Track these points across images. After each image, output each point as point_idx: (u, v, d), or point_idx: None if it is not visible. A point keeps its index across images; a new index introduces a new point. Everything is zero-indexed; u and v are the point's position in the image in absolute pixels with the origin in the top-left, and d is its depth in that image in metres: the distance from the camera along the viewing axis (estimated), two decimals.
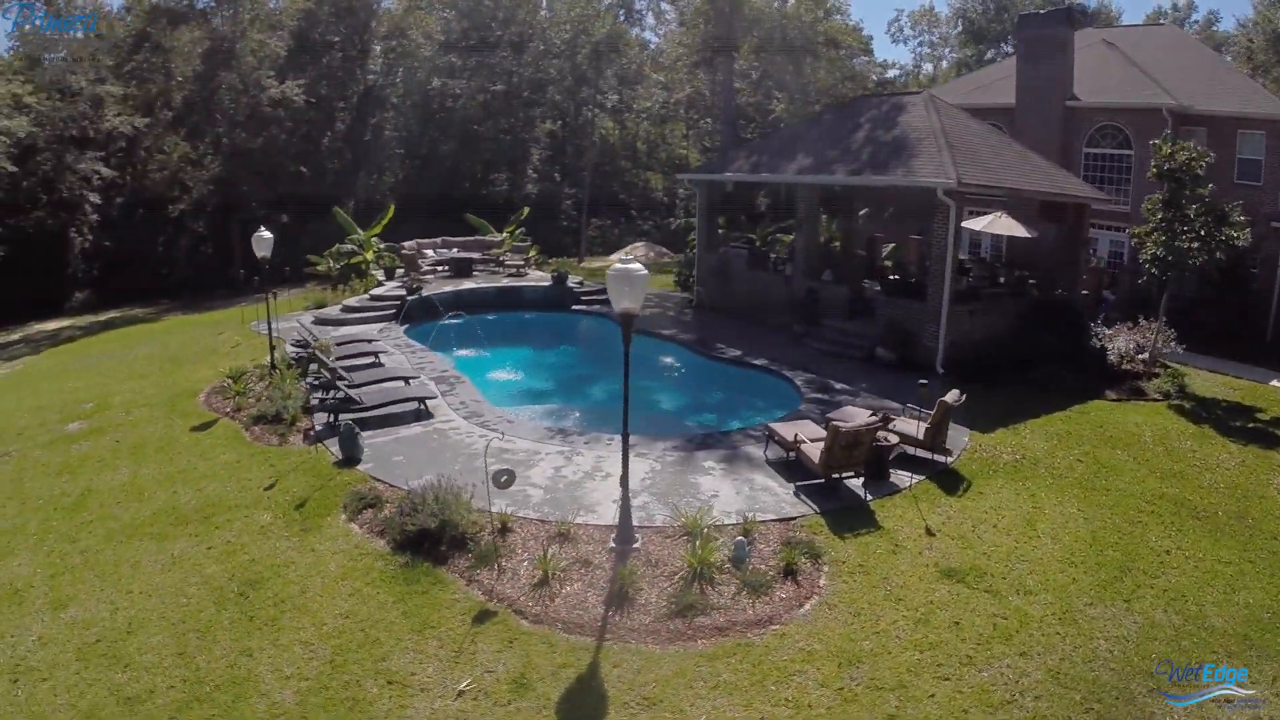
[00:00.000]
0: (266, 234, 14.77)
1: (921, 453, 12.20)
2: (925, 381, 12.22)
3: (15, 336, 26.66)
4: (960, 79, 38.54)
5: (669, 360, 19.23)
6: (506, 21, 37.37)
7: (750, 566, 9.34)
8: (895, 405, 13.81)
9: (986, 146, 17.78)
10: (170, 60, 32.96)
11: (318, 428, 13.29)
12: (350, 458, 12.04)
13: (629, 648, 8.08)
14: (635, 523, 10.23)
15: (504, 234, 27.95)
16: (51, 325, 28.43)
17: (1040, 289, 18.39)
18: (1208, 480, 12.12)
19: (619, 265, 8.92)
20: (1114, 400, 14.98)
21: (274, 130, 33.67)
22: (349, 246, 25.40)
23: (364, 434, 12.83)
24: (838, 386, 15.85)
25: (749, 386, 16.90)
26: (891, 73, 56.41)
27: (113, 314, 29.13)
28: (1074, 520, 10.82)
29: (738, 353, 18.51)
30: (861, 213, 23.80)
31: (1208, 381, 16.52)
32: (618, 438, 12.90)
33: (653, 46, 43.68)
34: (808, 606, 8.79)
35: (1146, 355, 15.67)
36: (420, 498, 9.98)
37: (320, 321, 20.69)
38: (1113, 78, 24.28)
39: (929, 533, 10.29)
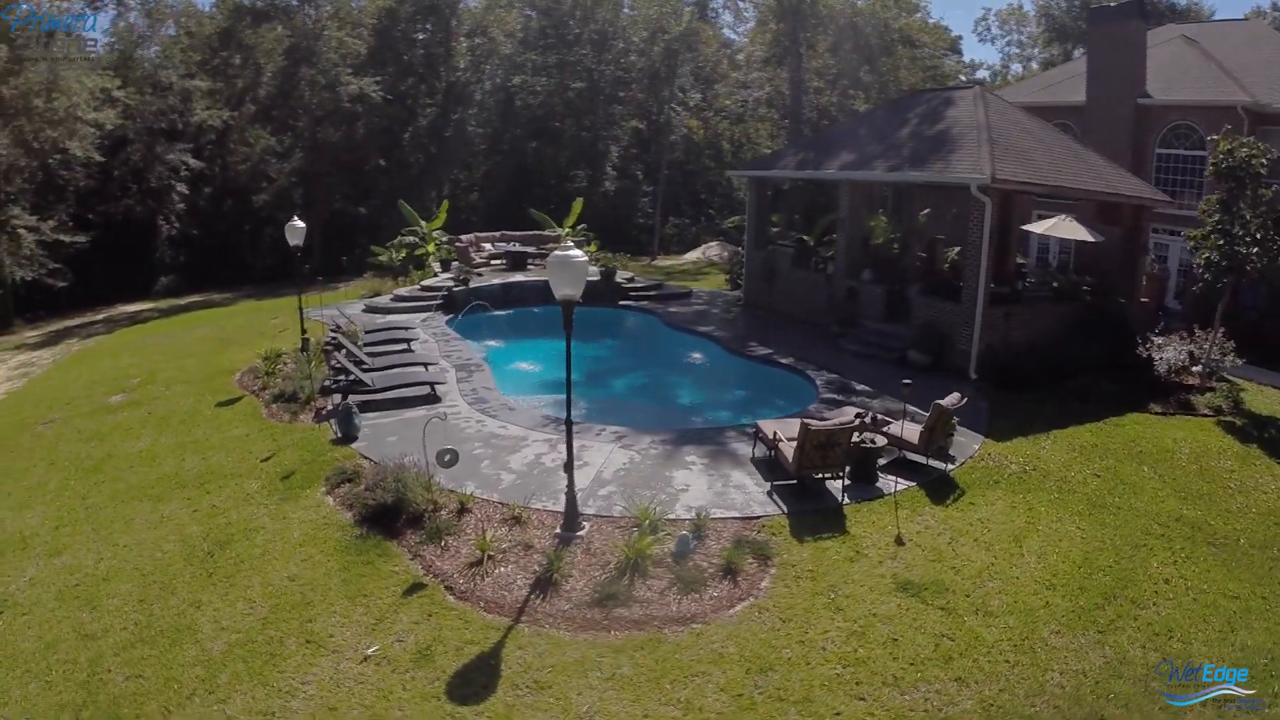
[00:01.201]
0: (299, 224, 15.59)
1: (920, 457, 11.64)
2: (909, 381, 11.59)
3: (99, 317, 28.92)
4: (1035, 77, 36.59)
5: (696, 356, 19.07)
6: (585, 19, 37.87)
7: (691, 563, 9.16)
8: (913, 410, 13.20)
9: (1036, 143, 16.65)
10: (254, 56, 34.78)
11: (329, 407, 13.92)
12: (347, 435, 12.53)
13: (540, 632, 8.08)
14: (593, 512, 10.24)
15: (564, 229, 28.33)
16: (134, 307, 30.57)
17: (1096, 295, 17.10)
18: (1237, 504, 10.97)
19: (558, 252, 8.95)
20: (1157, 414, 13.75)
21: (356, 125, 35.22)
22: (411, 238, 26.36)
23: (371, 415, 13.38)
24: (859, 388, 15.29)
25: (768, 385, 16.54)
26: (980, 73, 53.87)
27: (194, 298, 31.10)
28: (1069, 539, 10.02)
29: (768, 351, 18.14)
30: (923, 213, 22.78)
31: (1269, 398, 14.86)
32: (609, 428, 13.16)
33: (735, 44, 43.41)
34: (739, 608, 8.52)
35: (1200, 367, 14.28)
36: (382, 474, 10.32)
37: (371, 310, 21.63)
38: (1188, 75, 22.30)
39: (898, 542, 9.76)
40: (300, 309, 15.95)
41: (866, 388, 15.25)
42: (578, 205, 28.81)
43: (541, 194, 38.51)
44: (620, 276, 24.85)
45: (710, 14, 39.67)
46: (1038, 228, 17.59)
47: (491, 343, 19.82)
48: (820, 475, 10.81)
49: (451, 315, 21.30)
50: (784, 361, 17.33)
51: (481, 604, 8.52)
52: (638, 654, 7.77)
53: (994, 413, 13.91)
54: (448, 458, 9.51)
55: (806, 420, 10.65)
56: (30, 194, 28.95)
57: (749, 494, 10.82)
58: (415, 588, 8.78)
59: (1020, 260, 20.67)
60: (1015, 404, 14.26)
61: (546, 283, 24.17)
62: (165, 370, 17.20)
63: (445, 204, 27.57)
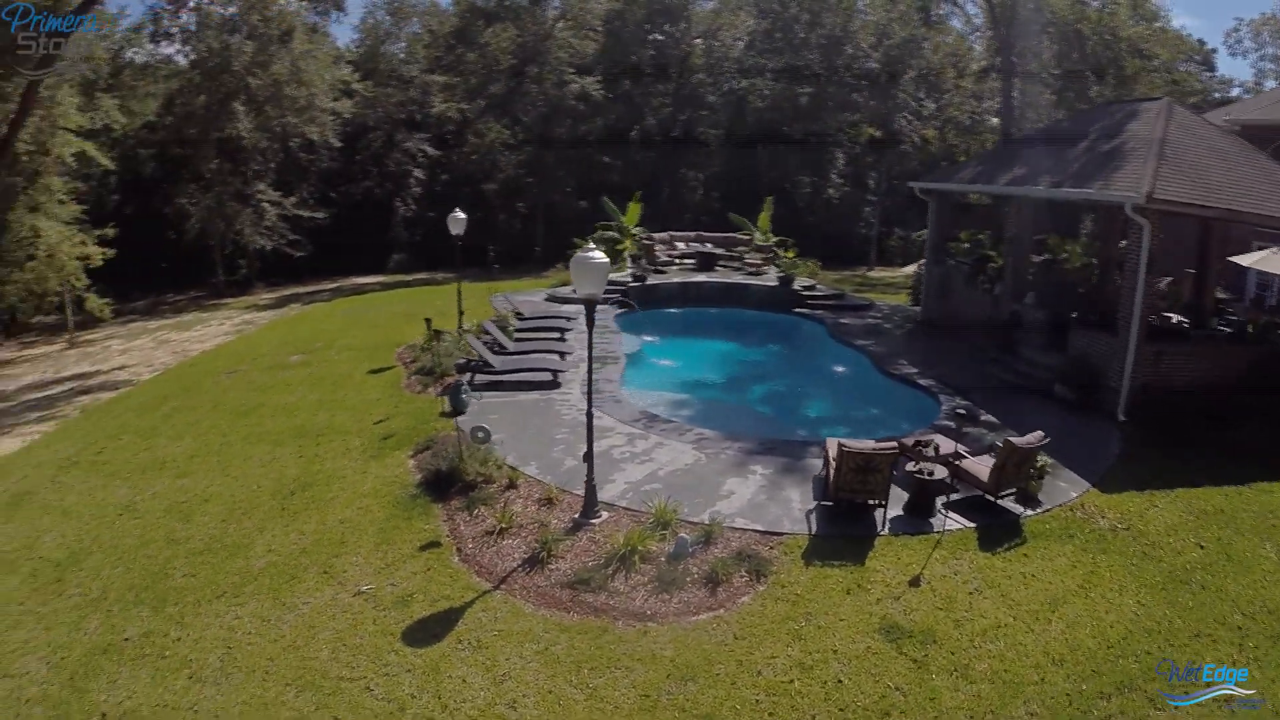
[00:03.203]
0: (460, 214, 17.48)
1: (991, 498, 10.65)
2: (964, 410, 10.57)
3: (330, 286, 33.47)
4: (1268, 93, 30.15)
5: (839, 369, 18.54)
6: (812, 24, 37.20)
7: (681, 566, 9.31)
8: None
9: (1221, 162, 14.02)
10: (488, 53, 37.71)
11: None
12: (455, 409, 14.00)
13: (509, 601, 8.77)
14: (625, 505, 10.66)
15: (759, 231, 28.48)
16: (364, 280, 34.97)
17: None
18: None
19: (580, 254, 9.51)
20: None
21: (580, 122, 37.11)
22: (611, 233, 27.97)
23: (491, 394, 14.77)
24: (983, 418, 13.98)
25: (894, 405, 15.72)
26: (1235, 90, 45.09)
27: (421, 275, 34.85)
28: (1118, 613, 8.63)
29: (913, 371, 17.17)
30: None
31: None
32: (695, 430, 13.37)
33: (976, 51, 40.17)
34: (701, 616, 8.57)
35: None
36: (444, 445, 11.61)
37: (552, 299, 23.47)
38: None
39: (913, 583, 9.14)
40: (459, 293, 17.84)
41: (991, 418, 13.96)
42: (768, 205, 28.78)
43: (765, 197, 38.53)
44: (799, 284, 24.63)
45: (933, 18, 37.07)
46: (1245, 259, 14.99)
47: (648, 338, 20.67)
48: (866, 501, 10.37)
49: (624, 309, 22.50)
50: (922, 383, 16.34)
51: (477, 568, 9.39)
52: (578, 637, 8.19)
53: (1121, 460, 12.19)
54: (481, 434, 10.50)
55: (843, 441, 10.26)
56: (274, 172, 34.01)
57: (789, 509, 10.61)
58: (431, 545, 9.87)
59: (1222, 295, 17.48)
60: (1151, 453, 12.34)
61: (725, 284, 25.08)
62: (346, 338, 20.07)
63: (636, 197, 28.76)
